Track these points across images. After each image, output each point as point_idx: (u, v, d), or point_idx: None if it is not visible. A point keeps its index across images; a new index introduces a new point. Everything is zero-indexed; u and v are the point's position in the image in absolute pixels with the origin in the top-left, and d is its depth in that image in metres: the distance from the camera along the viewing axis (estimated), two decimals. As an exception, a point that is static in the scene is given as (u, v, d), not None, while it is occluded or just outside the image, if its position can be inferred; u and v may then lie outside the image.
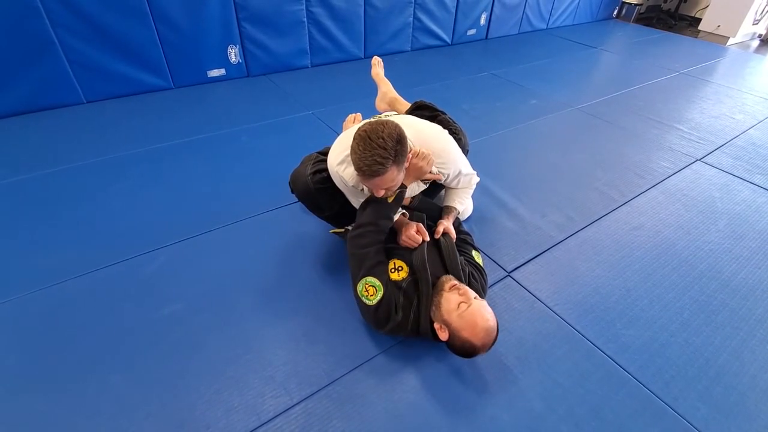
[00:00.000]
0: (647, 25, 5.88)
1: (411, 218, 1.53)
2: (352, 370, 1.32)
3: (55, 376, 1.27)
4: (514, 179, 2.33)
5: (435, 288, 1.33)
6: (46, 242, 1.75)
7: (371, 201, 1.40)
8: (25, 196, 2.01)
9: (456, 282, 1.32)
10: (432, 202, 1.73)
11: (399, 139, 1.18)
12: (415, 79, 3.64)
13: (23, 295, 1.51)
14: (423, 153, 1.36)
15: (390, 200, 1.38)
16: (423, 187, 1.59)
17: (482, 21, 4.65)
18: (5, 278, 1.57)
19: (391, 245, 1.46)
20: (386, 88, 2.22)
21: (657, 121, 3.13)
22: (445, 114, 1.85)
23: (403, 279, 1.34)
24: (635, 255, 1.87)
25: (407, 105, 1.85)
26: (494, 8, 4.62)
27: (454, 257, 1.43)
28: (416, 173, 1.39)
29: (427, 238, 1.42)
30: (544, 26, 5.28)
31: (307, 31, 3.58)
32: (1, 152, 2.33)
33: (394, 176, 1.23)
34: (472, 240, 1.68)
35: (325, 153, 1.53)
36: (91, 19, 2.69)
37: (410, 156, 1.32)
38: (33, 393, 1.22)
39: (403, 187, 1.39)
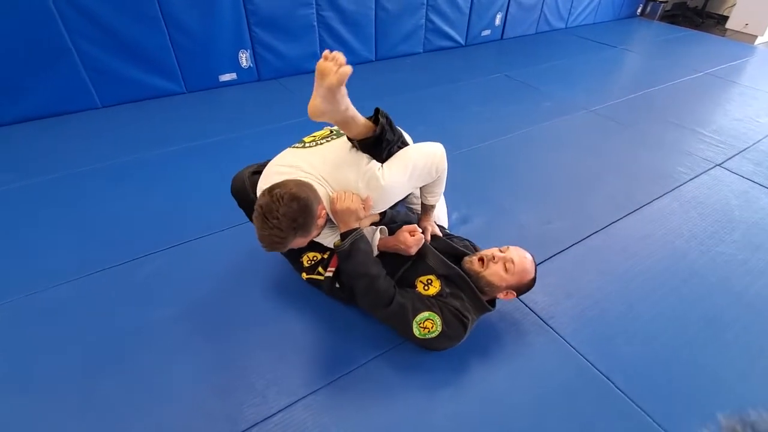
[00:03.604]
0: (672, 23, 5.65)
1: (390, 233, 1.47)
2: (333, 381, 1.30)
3: (44, 379, 1.30)
4: (519, 184, 2.27)
5: (470, 276, 1.34)
6: (46, 245, 1.80)
7: (341, 258, 1.29)
8: (32, 200, 2.08)
9: (477, 257, 1.37)
10: (400, 211, 1.67)
11: (296, 216, 1.09)
12: (425, 81, 3.61)
13: (17, 298, 1.56)
14: (343, 196, 1.25)
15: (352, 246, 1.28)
16: (379, 212, 1.43)
17: (497, 21, 4.57)
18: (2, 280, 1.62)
19: (404, 269, 1.38)
20: (348, 101, 1.30)
21: (676, 124, 2.99)
22: (399, 143, 1.38)
23: (442, 287, 1.33)
24: (642, 266, 1.78)
25: (363, 125, 1.26)
26: (510, 8, 4.53)
27: (453, 247, 1.44)
28: (353, 216, 1.26)
29: (420, 230, 1.38)
30: (562, 26, 5.14)
31: (317, 35, 3.60)
32: (16, 156, 2.43)
33: (304, 241, 1.19)
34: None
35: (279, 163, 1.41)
36: (105, 26, 2.77)
37: (323, 213, 1.21)
38: (20, 395, 1.26)
39: (354, 230, 1.28)
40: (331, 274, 1.40)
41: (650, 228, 2.00)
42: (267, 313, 1.52)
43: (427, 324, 1.24)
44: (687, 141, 2.78)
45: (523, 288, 1.36)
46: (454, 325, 1.26)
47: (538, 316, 1.53)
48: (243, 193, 1.44)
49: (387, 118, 1.30)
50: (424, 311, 1.25)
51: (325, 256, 1.45)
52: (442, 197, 1.90)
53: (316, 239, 1.40)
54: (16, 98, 2.72)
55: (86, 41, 2.76)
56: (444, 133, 2.77)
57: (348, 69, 1.08)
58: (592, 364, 1.38)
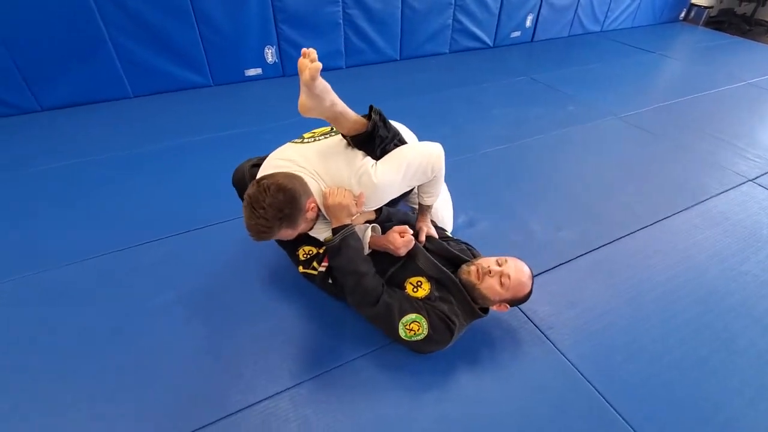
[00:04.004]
0: (718, 29, 5.34)
1: (384, 231, 1.45)
2: (319, 375, 1.31)
3: (43, 354, 1.37)
4: (532, 190, 2.21)
5: (465, 286, 1.31)
6: (64, 225, 1.90)
7: (330, 253, 1.30)
8: (59, 181, 2.20)
9: (475, 267, 1.33)
10: (398, 210, 1.66)
11: (282, 207, 1.11)
12: (449, 82, 3.57)
13: (29, 274, 1.65)
14: (335, 192, 1.26)
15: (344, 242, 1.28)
16: (373, 209, 1.45)
17: (528, 23, 4.46)
18: (8, 260, 1.72)
19: (393, 269, 1.37)
20: (333, 97, 1.27)
21: (710, 135, 2.83)
22: (395, 141, 1.36)
23: (431, 290, 1.31)
24: (655, 281, 1.70)
25: (354, 121, 1.27)
26: (542, 9, 4.41)
27: (448, 250, 1.42)
28: (345, 212, 1.26)
29: (410, 231, 1.36)
30: (598, 28, 4.97)
31: (342, 33, 3.63)
32: (51, 140, 2.57)
33: (292, 232, 1.20)
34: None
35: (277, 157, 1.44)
36: (140, 19, 2.90)
37: (312, 206, 1.22)
38: (20, 371, 1.33)
39: (345, 226, 1.28)
40: (324, 270, 1.41)
41: (668, 242, 1.90)
42: (262, 303, 1.55)
43: (413, 326, 1.23)
44: (720, 153, 2.62)
45: (517, 301, 1.33)
46: (441, 329, 1.24)
47: (536, 326, 1.49)
48: (242, 184, 1.47)
49: (380, 114, 1.30)
50: (410, 313, 1.23)
51: (321, 251, 1.46)
52: (449, 199, 1.87)
53: (311, 233, 1.41)
54: (54, 85, 2.89)
55: (121, 33, 2.90)
56: (462, 135, 2.73)
57: (317, 65, 1.10)
58: (589, 381, 1.33)
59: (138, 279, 1.64)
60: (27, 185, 2.17)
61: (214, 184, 2.16)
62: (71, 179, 2.22)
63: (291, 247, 1.53)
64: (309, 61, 1.09)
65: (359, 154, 1.32)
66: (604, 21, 4.93)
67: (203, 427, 1.17)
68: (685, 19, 5.59)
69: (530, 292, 1.32)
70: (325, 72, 3.76)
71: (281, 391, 1.25)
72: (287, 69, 3.59)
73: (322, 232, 1.39)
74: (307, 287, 1.58)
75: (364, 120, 1.28)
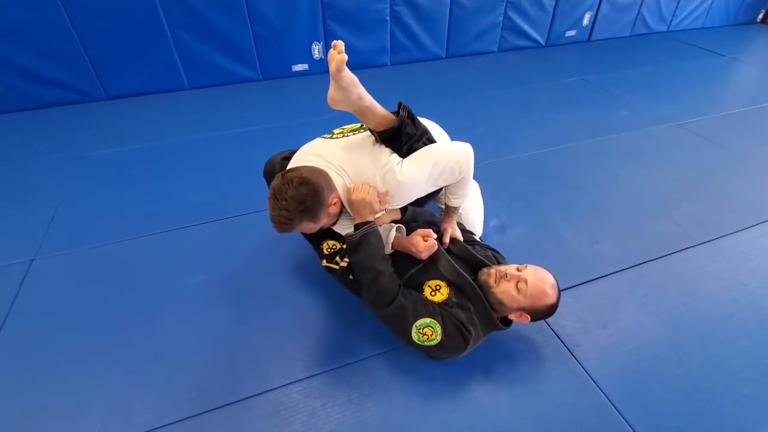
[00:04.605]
0: (807, 31, 4.80)
1: (409, 231, 1.43)
2: (331, 369, 1.32)
3: (85, 323, 1.49)
4: (570, 198, 2.10)
5: (482, 289, 1.28)
6: (118, 207, 2.06)
7: (349, 249, 1.29)
8: (116, 166, 2.39)
9: (494, 270, 1.29)
10: (425, 210, 1.62)
11: (304, 199, 1.13)
12: (494, 81, 3.48)
13: (85, 248, 1.81)
14: (360, 188, 1.26)
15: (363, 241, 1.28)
16: (397, 207, 1.44)
17: (585, 21, 4.24)
18: (66, 235, 1.89)
19: (413, 271, 1.34)
20: (361, 91, 1.26)
21: (785, 148, 2.55)
22: (424, 140, 1.35)
23: (449, 295, 1.28)
24: (700, 306, 1.56)
25: (381, 116, 1.27)
26: (601, 7, 4.17)
27: (472, 254, 1.38)
28: (368, 208, 1.26)
29: (434, 235, 1.34)
30: (664, 28, 4.62)
31: (389, 30, 3.63)
32: (111, 128, 2.79)
33: (314, 226, 1.21)
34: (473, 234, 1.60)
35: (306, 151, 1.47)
36: (198, 14, 3.06)
37: (335, 201, 1.23)
38: (64, 334, 1.46)
39: (367, 223, 1.28)
40: (345, 265, 1.42)
41: (720, 264, 1.74)
42: (285, 292, 1.60)
43: (426, 331, 1.21)
44: (795, 169, 2.36)
45: (539, 313, 1.24)
46: (455, 337, 1.21)
47: (562, 342, 1.42)
48: (273, 176, 1.51)
49: (409, 111, 1.30)
50: (425, 317, 1.21)
51: (344, 247, 1.47)
52: (480, 202, 1.83)
53: (335, 228, 1.43)
54: (117, 76, 3.12)
55: (181, 28, 3.07)
56: (501, 136, 2.65)
57: (343, 56, 1.11)
58: (615, 406, 1.25)
59: (177, 259, 1.75)
60: (88, 167, 2.37)
61: (254, 174, 2.24)
62: (127, 164, 2.40)
63: (316, 240, 1.55)
64: (336, 53, 1.11)
65: (386, 151, 1.32)
66: (672, 20, 4.57)
67: (217, 408, 1.23)
68: (764, 21, 5.05)
69: (555, 305, 1.23)
70: (369, 69, 3.82)
71: (294, 382, 1.28)
72: (332, 65, 3.64)
73: (345, 228, 1.41)
74: (330, 281, 1.60)
75: (392, 116, 1.28)
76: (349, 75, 1.16)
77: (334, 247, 1.51)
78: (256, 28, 3.26)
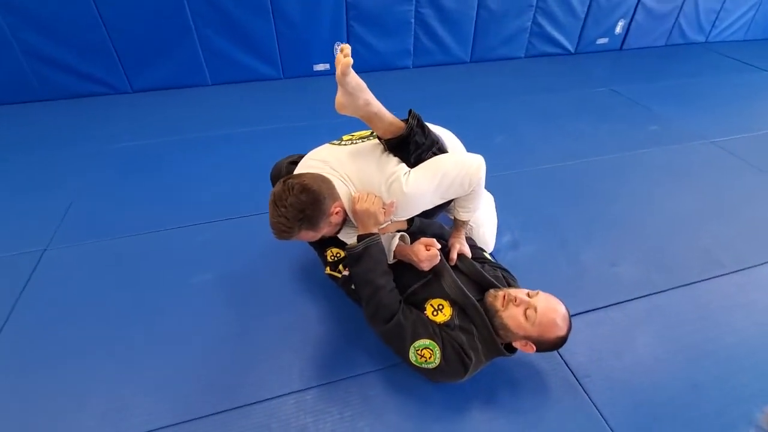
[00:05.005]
0: None
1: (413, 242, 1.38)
2: (327, 383, 1.28)
3: (87, 316, 1.50)
4: (590, 215, 2.00)
5: (488, 312, 1.21)
6: (133, 201, 2.08)
7: (350, 260, 1.25)
8: (135, 158, 2.42)
9: (503, 293, 1.21)
10: (434, 222, 1.57)
11: (304, 207, 1.10)
12: (518, 88, 3.38)
13: (91, 242, 1.82)
14: (364, 198, 1.22)
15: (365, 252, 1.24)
16: (403, 219, 1.38)
17: (618, 29, 4.08)
18: (82, 227, 1.91)
19: (416, 286, 1.29)
20: (368, 96, 1.23)
21: (830, 173, 2.38)
22: (434, 149, 1.30)
23: (451, 316, 1.21)
24: (726, 343, 1.45)
25: (389, 123, 1.23)
26: (636, 15, 4.01)
27: (480, 273, 1.31)
28: (372, 219, 1.21)
29: (438, 246, 1.28)
30: (702, 39, 4.40)
31: (412, 32, 3.58)
32: (134, 120, 2.84)
33: (314, 235, 1.18)
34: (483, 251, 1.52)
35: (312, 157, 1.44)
36: (223, 11, 3.08)
37: (337, 210, 1.20)
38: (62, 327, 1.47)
39: (371, 235, 1.23)
40: (348, 274, 1.38)
41: (753, 295, 1.62)
42: (287, 298, 1.57)
43: (424, 353, 1.15)
44: (840, 196, 2.19)
45: (546, 344, 1.16)
46: (454, 362, 1.15)
47: (571, 371, 1.34)
48: (278, 180, 1.48)
49: (418, 119, 1.25)
50: (424, 338, 1.15)
51: None
52: (494, 216, 1.76)
53: (340, 237, 1.39)
54: (142, 70, 3.18)
55: (206, 24, 3.10)
56: (522, 146, 2.56)
57: (348, 60, 1.08)
58: (623, 444, 1.17)
59: (185, 257, 1.75)
60: (108, 159, 2.41)
61: (267, 174, 2.24)
62: (146, 158, 2.44)
63: (320, 247, 1.52)
64: (342, 56, 1.07)
65: (393, 160, 1.28)
66: (711, 31, 4.35)
67: (211, 415, 1.21)
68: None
69: (564, 338, 1.15)
70: (391, 71, 3.77)
71: (288, 393, 1.25)
72: (354, 66, 3.58)
73: (351, 237, 1.37)
74: (334, 289, 1.56)
75: (400, 123, 1.24)
76: (355, 79, 1.12)
77: (338, 255, 1.47)
78: (280, 26, 3.26)
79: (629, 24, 4.06)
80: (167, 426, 1.18)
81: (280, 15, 3.21)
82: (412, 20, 3.50)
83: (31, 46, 2.86)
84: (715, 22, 4.28)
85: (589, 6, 3.83)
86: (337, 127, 2.71)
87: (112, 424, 1.18)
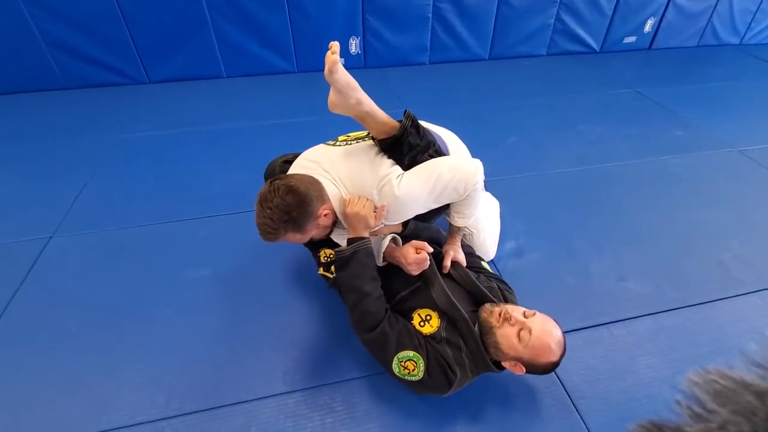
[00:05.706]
0: None
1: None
2: (311, 388, 1.26)
3: (84, 307, 1.52)
4: (602, 224, 1.91)
5: (481, 327, 1.16)
6: (143, 191, 2.10)
7: (338, 264, 1.21)
8: (149, 149, 2.46)
9: (499, 309, 1.15)
10: (429, 226, 1.51)
11: (290, 209, 1.07)
12: (538, 88, 3.27)
13: (93, 232, 1.85)
14: (355, 201, 1.18)
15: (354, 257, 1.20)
16: (395, 223, 1.33)
17: (647, 28, 3.89)
18: (92, 214, 1.94)
19: (404, 293, 1.25)
20: (360, 95, 1.19)
21: None
22: (430, 152, 1.25)
23: (439, 328, 1.16)
24: (738, 367, 1.36)
25: (383, 123, 1.19)
26: (666, 14, 3.81)
27: (474, 284, 1.25)
28: (362, 223, 1.17)
29: (429, 249, 1.22)
30: (736, 41, 4.16)
31: (430, 27, 3.50)
32: (151, 111, 2.88)
33: (301, 237, 1.15)
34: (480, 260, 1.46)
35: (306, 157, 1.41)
36: (239, 4, 3.08)
37: (326, 213, 1.16)
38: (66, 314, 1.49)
39: (361, 239, 1.20)
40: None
41: (771, 319, 1.52)
42: (281, 296, 1.56)
43: (408, 365, 1.11)
44: None
45: (536, 368, 1.10)
46: (438, 376, 1.10)
47: (566, 391, 1.28)
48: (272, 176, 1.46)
49: (413, 120, 1.21)
50: (408, 349, 1.11)
51: None
52: (497, 221, 1.70)
53: (334, 238, 1.36)
54: (160, 62, 3.22)
55: (222, 17, 3.11)
56: (536, 149, 2.48)
57: (334, 57, 1.04)
58: (616, 471, 1.11)
59: (185, 251, 1.76)
60: (120, 149, 2.46)
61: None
62: (158, 148, 2.47)
63: (314, 247, 1.50)
64: (330, 53, 1.04)
65: (387, 162, 1.23)
66: (746, 33, 4.10)
67: (192, 413, 1.20)
68: None
69: (557, 363, 1.09)
70: (407, 67, 3.69)
71: (270, 396, 1.24)
72: (369, 61, 3.57)
73: (343, 239, 1.34)
74: (327, 289, 1.54)
75: (394, 123, 1.20)
76: (344, 78, 1.09)
77: (332, 256, 1.44)
78: (295, 19, 3.24)
79: (659, 22, 3.87)
80: (146, 422, 1.18)
81: (295, 8, 3.19)
82: (430, 15, 3.42)
83: (53, 36, 2.92)
84: (750, 23, 4.03)
85: (617, 3, 3.66)
86: (348, 124, 2.69)
87: (93, 417, 1.19)
